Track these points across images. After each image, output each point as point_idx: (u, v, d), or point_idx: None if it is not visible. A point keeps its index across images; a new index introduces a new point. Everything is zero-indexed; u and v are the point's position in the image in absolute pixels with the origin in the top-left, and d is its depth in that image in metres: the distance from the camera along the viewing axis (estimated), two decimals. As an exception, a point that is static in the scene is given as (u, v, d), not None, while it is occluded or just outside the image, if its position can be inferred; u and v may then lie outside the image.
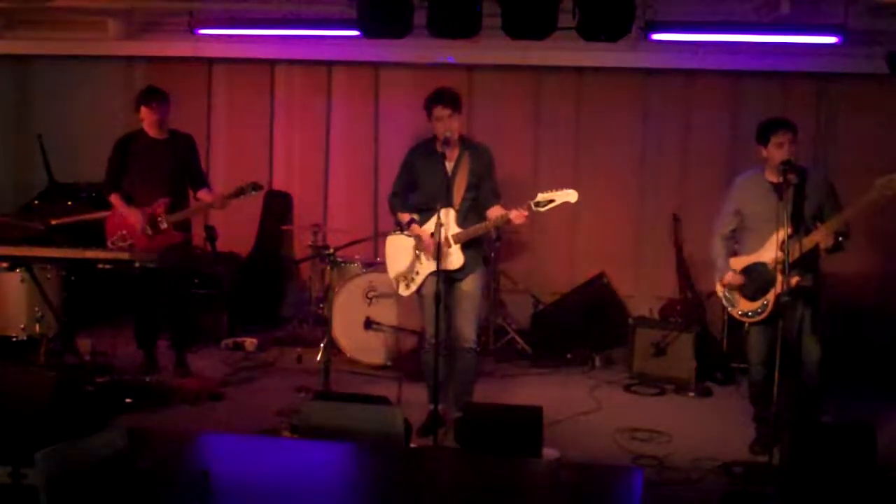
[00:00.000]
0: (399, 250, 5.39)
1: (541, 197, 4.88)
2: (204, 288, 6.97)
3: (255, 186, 6.16)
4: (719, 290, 5.20)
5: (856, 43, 6.64)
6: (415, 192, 5.35)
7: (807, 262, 4.87)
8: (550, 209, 4.91)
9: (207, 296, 7.04)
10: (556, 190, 4.90)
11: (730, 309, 5.13)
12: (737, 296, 5.11)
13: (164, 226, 6.06)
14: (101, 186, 6.36)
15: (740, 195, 5.12)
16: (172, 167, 6.14)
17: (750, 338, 5.12)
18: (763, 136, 4.93)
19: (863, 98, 7.32)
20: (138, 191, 6.13)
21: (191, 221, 6.33)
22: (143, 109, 6.11)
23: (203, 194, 6.24)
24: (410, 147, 5.46)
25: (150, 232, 6.03)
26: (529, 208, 4.91)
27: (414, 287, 5.34)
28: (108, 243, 6.10)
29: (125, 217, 6.08)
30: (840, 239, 4.78)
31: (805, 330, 4.93)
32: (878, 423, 5.17)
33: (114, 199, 6.15)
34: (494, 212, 5.22)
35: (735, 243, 5.20)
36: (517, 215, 4.95)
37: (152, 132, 6.15)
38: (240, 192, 6.09)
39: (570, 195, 4.86)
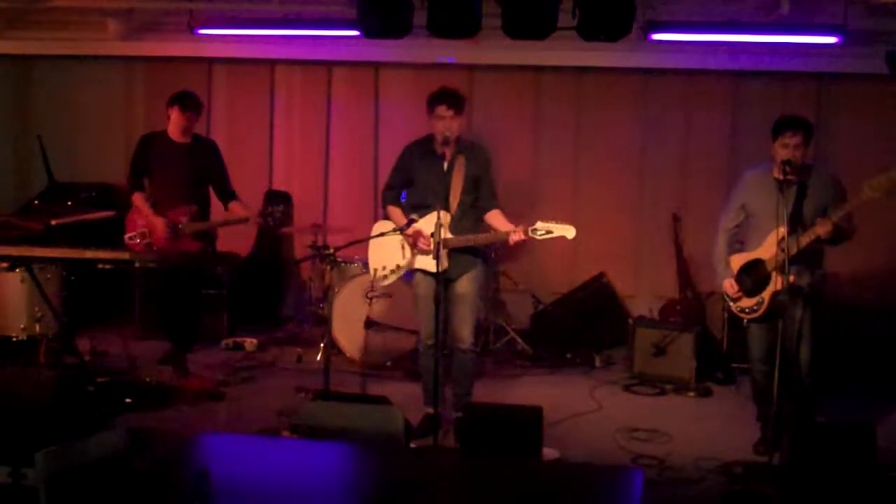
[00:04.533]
0: (384, 243, 5.39)
1: (540, 226, 4.88)
2: (204, 288, 6.96)
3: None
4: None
5: (856, 43, 6.63)
6: (410, 190, 5.35)
7: (809, 261, 4.87)
8: (545, 240, 4.90)
9: (207, 296, 7.04)
10: (557, 223, 4.89)
11: (731, 304, 5.14)
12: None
13: (184, 233, 6.04)
14: (125, 184, 6.38)
15: (746, 189, 5.13)
16: (192, 173, 6.11)
17: (749, 335, 5.13)
18: (773, 134, 4.93)
19: (863, 98, 7.32)
20: (159, 194, 6.13)
21: (215, 231, 6.35)
22: (174, 110, 6.07)
23: (236, 207, 6.22)
24: (407, 143, 5.45)
25: (171, 237, 6.02)
26: (526, 233, 4.91)
27: (392, 278, 5.38)
28: (126, 237, 6.10)
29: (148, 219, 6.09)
30: (841, 227, 4.77)
31: (801, 331, 4.92)
32: (877, 422, 5.17)
33: (136, 199, 6.14)
34: (495, 220, 5.21)
35: (738, 242, 5.21)
36: (515, 238, 4.94)
37: (175, 135, 6.12)
38: (268, 216, 6.10)
39: (568, 231, 4.86)
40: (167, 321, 6.48)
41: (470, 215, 5.21)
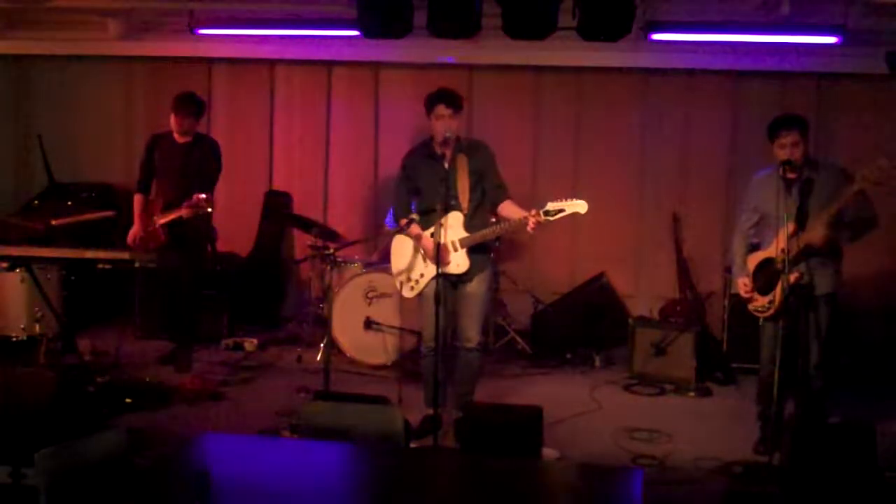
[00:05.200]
0: (405, 251, 5.38)
1: (551, 206, 4.83)
2: (204, 288, 6.97)
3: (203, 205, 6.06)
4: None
5: (856, 43, 6.64)
6: (417, 197, 5.30)
7: (825, 258, 4.86)
8: (560, 219, 4.86)
9: (207, 296, 7.04)
10: (566, 200, 4.84)
11: (748, 304, 5.14)
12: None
13: (150, 228, 6.22)
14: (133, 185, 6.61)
15: (755, 193, 5.14)
16: (186, 172, 6.21)
17: (762, 333, 5.12)
18: (769, 137, 4.94)
19: (863, 98, 7.32)
20: (159, 193, 6.38)
21: (213, 228, 6.45)
22: (172, 113, 6.26)
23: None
24: (406, 153, 5.44)
25: (143, 240, 6.27)
26: (539, 216, 4.87)
27: (418, 289, 5.32)
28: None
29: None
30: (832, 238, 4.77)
31: (809, 331, 4.92)
32: (878, 423, 5.16)
33: (135, 199, 6.45)
34: (508, 210, 5.19)
35: (755, 238, 5.22)
36: (533, 224, 4.89)
37: (176, 135, 6.31)
38: (194, 206, 5.97)
39: (580, 206, 4.79)
40: (168, 320, 6.53)
41: (481, 211, 5.21)
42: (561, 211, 4.82)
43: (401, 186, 5.39)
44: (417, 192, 5.26)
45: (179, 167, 6.25)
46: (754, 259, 5.11)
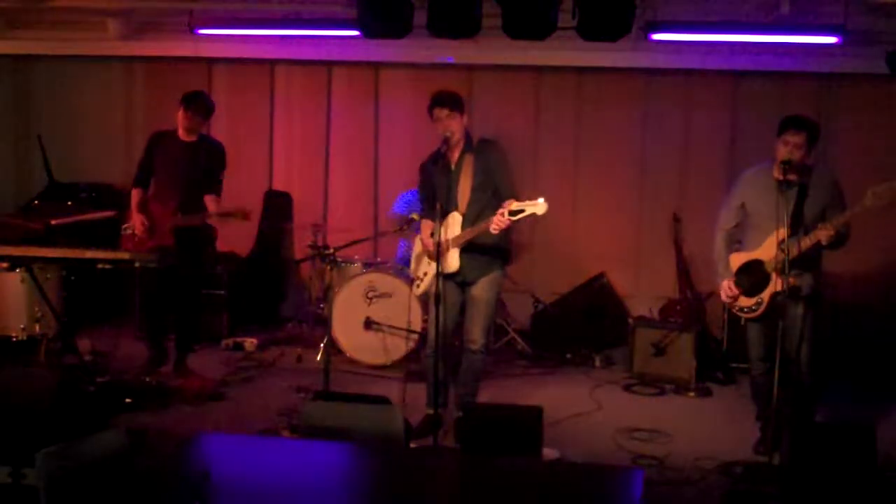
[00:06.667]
0: (417, 251, 5.54)
1: (515, 206, 4.80)
2: (204, 288, 6.98)
3: (244, 215, 6.18)
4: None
5: (856, 43, 6.63)
6: (431, 199, 5.34)
7: (807, 262, 4.86)
8: (521, 219, 4.82)
9: (207, 296, 7.04)
10: (528, 200, 4.79)
11: (730, 304, 5.13)
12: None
13: (160, 230, 6.09)
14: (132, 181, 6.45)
15: (745, 189, 5.10)
16: (190, 172, 6.13)
17: (747, 333, 5.13)
18: (778, 131, 4.90)
19: (863, 98, 7.32)
20: (156, 190, 6.25)
21: (212, 227, 6.39)
22: (180, 109, 6.15)
23: (207, 201, 6.20)
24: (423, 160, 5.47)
25: (146, 236, 6.11)
26: (503, 216, 4.84)
27: (423, 287, 5.43)
28: (122, 227, 6.26)
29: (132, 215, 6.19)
30: (841, 233, 4.77)
31: (802, 331, 4.91)
32: (877, 423, 5.17)
33: (133, 194, 6.27)
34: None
35: (736, 241, 5.20)
36: (496, 225, 4.87)
37: (181, 134, 6.21)
38: (226, 215, 6.13)
39: (539, 207, 4.72)
40: (167, 321, 6.48)
41: (487, 213, 5.06)
42: (521, 211, 4.78)
43: (420, 190, 5.52)
44: (432, 193, 5.27)
45: (185, 167, 6.14)
46: (737, 259, 5.08)
